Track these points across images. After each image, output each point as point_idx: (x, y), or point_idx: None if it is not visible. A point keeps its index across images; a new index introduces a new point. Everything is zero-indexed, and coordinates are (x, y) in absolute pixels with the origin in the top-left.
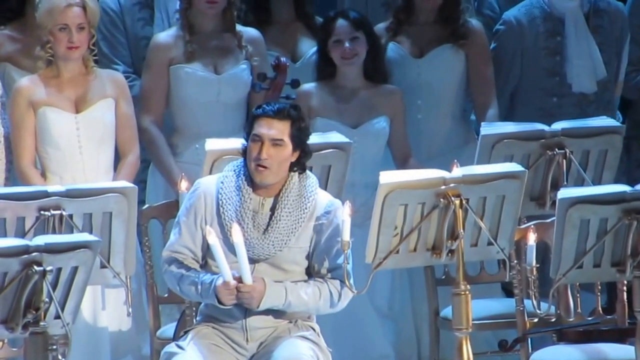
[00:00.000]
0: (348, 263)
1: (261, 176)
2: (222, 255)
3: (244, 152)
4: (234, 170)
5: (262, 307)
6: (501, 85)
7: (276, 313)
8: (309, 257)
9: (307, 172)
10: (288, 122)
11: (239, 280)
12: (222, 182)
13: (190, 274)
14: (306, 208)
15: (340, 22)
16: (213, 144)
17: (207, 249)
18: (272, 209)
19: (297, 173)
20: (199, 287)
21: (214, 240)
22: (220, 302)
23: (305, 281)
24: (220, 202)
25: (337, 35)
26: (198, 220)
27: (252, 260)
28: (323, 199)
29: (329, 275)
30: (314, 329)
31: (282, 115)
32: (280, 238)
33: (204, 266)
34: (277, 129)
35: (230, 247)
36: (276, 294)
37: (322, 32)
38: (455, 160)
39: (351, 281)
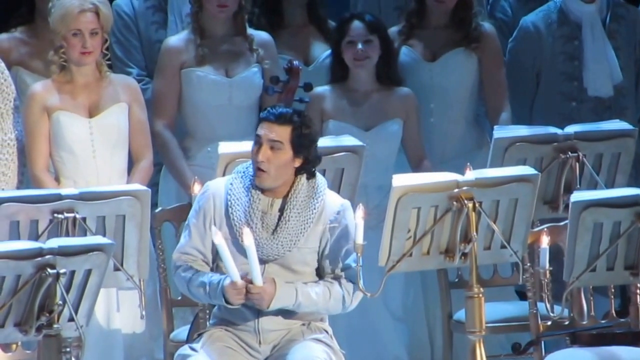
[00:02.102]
0: (360, 265)
1: (259, 180)
2: (228, 255)
3: None
4: (243, 172)
5: (272, 307)
6: (521, 91)
7: (288, 315)
8: (319, 257)
9: (316, 173)
10: (289, 127)
11: (248, 279)
12: (231, 184)
13: (199, 275)
14: (315, 208)
15: (356, 24)
16: (226, 147)
17: (217, 251)
18: (281, 210)
19: (305, 178)
20: (207, 287)
21: (220, 240)
22: (228, 302)
23: (315, 282)
24: (230, 203)
25: (351, 37)
26: (207, 222)
27: (262, 261)
28: (332, 199)
29: (340, 275)
30: (327, 332)
31: (283, 119)
32: (290, 238)
33: (215, 268)
34: (276, 132)
35: (239, 247)
36: (286, 295)
37: (336, 32)
38: (469, 164)
39: (361, 282)
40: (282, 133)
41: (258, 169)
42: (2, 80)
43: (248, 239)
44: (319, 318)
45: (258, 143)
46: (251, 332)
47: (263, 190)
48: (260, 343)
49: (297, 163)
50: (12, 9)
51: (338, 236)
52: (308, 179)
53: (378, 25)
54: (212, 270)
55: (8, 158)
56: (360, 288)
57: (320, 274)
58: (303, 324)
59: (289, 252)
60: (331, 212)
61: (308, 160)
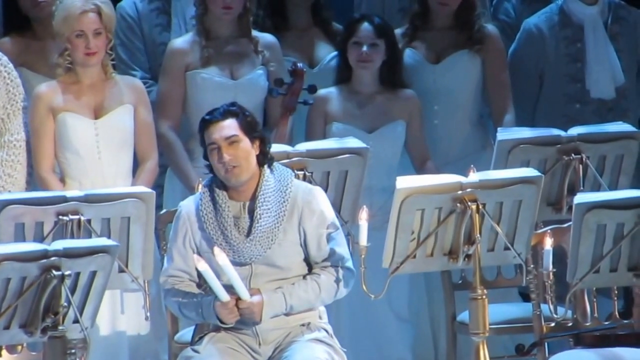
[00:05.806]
0: (365, 267)
1: (235, 176)
2: (214, 278)
3: (210, 168)
4: (208, 185)
5: (264, 318)
6: (524, 93)
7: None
8: (304, 249)
9: (277, 164)
10: (233, 118)
11: (237, 297)
12: (200, 199)
13: (191, 299)
14: (285, 201)
15: (365, 26)
16: None
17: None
18: (252, 210)
19: (268, 169)
20: (201, 310)
21: (204, 266)
22: (222, 322)
23: (303, 278)
24: (203, 217)
25: (358, 38)
26: (186, 241)
27: (247, 264)
28: (301, 188)
29: (325, 263)
30: (326, 331)
31: (225, 115)
32: (266, 236)
33: (204, 283)
34: (227, 128)
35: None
36: (275, 303)
37: (344, 31)
38: (472, 166)
39: (350, 280)
40: (232, 126)
41: (229, 170)
42: (8, 81)
43: (221, 258)
44: (317, 315)
45: (216, 148)
46: (250, 334)
47: (230, 196)
48: (260, 344)
49: (256, 149)
50: (8, 15)
51: (315, 224)
52: (270, 167)
53: (386, 29)
54: (200, 286)
55: (14, 159)
56: (364, 289)
57: (310, 264)
58: (303, 324)
59: (269, 249)
60: (302, 200)
61: (263, 141)
